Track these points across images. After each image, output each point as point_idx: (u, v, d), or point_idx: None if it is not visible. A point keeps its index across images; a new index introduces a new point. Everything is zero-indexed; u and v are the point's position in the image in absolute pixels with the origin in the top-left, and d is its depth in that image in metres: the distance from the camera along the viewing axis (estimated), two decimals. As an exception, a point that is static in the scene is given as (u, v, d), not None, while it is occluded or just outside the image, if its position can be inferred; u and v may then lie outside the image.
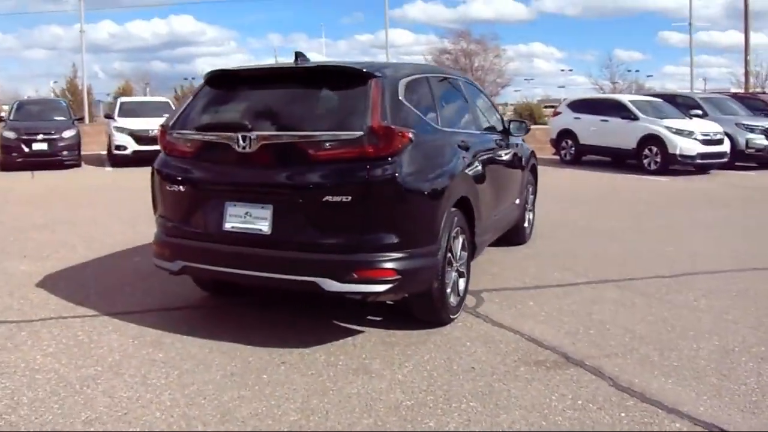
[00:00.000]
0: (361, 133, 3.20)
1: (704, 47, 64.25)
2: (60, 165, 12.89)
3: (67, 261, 5.36)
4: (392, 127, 3.22)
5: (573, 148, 14.33)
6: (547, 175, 10.25)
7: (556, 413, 2.69)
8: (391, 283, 3.18)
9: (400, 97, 3.46)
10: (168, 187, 3.61)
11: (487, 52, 25.53)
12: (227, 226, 3.38)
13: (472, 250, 4.03)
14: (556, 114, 16.01)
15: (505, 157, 5.04)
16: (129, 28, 67.68)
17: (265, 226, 3.29)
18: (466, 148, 4.01)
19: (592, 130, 13.65)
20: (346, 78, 3.46)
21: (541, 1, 71.13)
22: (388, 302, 4.02)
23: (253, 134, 3.31)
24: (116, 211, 7.92)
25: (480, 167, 4.16)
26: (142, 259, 5.43)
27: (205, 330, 3.68)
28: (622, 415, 2.67)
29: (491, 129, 5.03)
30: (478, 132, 4.61)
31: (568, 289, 4.52)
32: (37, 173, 12.33)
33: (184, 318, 3.95)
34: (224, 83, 3.77)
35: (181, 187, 3.55)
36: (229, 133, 3.39)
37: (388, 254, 3.18)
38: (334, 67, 3.62)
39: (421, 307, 3.62)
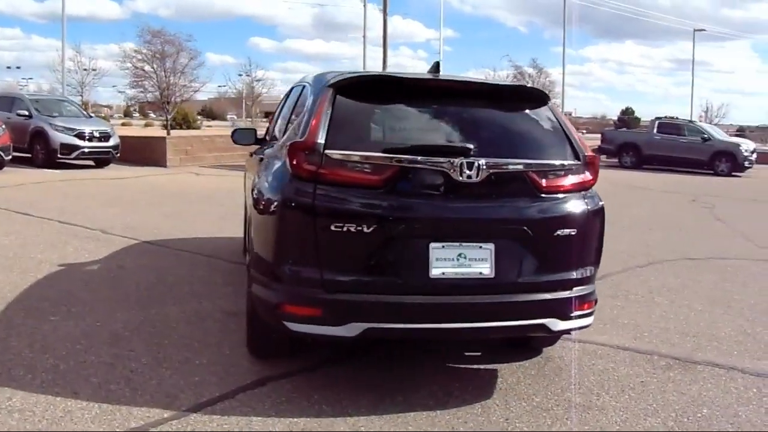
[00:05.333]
0: (579, 162, 3.12)
1: (294, 54, 72.71)
2: None
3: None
4: (597, 156, 3.22)
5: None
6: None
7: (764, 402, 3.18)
8: (593, 314, 3.19)
9: None
10: (333, 227, 2.78)
11: (180, 54, 23.92)
12: (435, 272, 2.82)
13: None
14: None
15: None
16: None
17: (486, 269, 2.87)
18: None
19: None
20: (527, 98, 3.27)
21: (134, 1, 70.13)
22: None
23: (482, 161, 2.86)
24: None
25: None
26: (61, 319, 3.99)
27: (348, 401, 3.02)
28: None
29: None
30: None
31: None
32: None
33: (291, 394, 3.10)
34: (372, 93, 3.10)
35: (362, 226, 2.77)
36: (448, 159, 2.84)
37: (592, 285, 3.17)
38: (514, 86, 3.31)
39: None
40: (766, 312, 4.78)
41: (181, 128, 31.20)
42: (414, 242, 2.85)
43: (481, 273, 2.88)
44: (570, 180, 3.09)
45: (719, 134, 21.57)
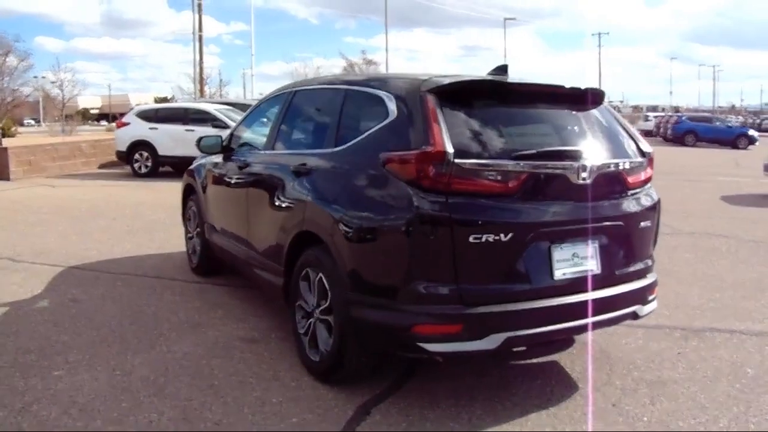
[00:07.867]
0: (644, 158, 3.40)
1: (82, 54, 67.91)
2: None
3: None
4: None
5: (150, 160, 14.15)
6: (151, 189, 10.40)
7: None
8: (656, 297, 3.48)
9: None
10: (472, 239, 2.74)
11: (8, 55, 20.71)
12: (558, 274, 2.93)
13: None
14: (122, 125, 15.12)
15: None
16: None
17: (594, 265, 3.05)
18: None
19: (175, 139, 13.71)
20: (598, 100, 3.41)
21: None
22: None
23: (593, 163, 3.03)
24: None
25: None
26: (68, 372, 3.45)
27: (467, 414, 3.02)
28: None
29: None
30: None
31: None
32: None
33: (406, 417, 3.01)
34: (472, 97, 3.05)
35: (499, 235, 2.77)
36: (570, 162, 2.97)
37: (654, 272, 3.47)
38: (593, 89, 3.38)
39: None
40: (707, 279, 5.54)
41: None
42: (540, 246, 2.93)
43: (591, 270, 3.06)
44: (643, 175, 3.39)
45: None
